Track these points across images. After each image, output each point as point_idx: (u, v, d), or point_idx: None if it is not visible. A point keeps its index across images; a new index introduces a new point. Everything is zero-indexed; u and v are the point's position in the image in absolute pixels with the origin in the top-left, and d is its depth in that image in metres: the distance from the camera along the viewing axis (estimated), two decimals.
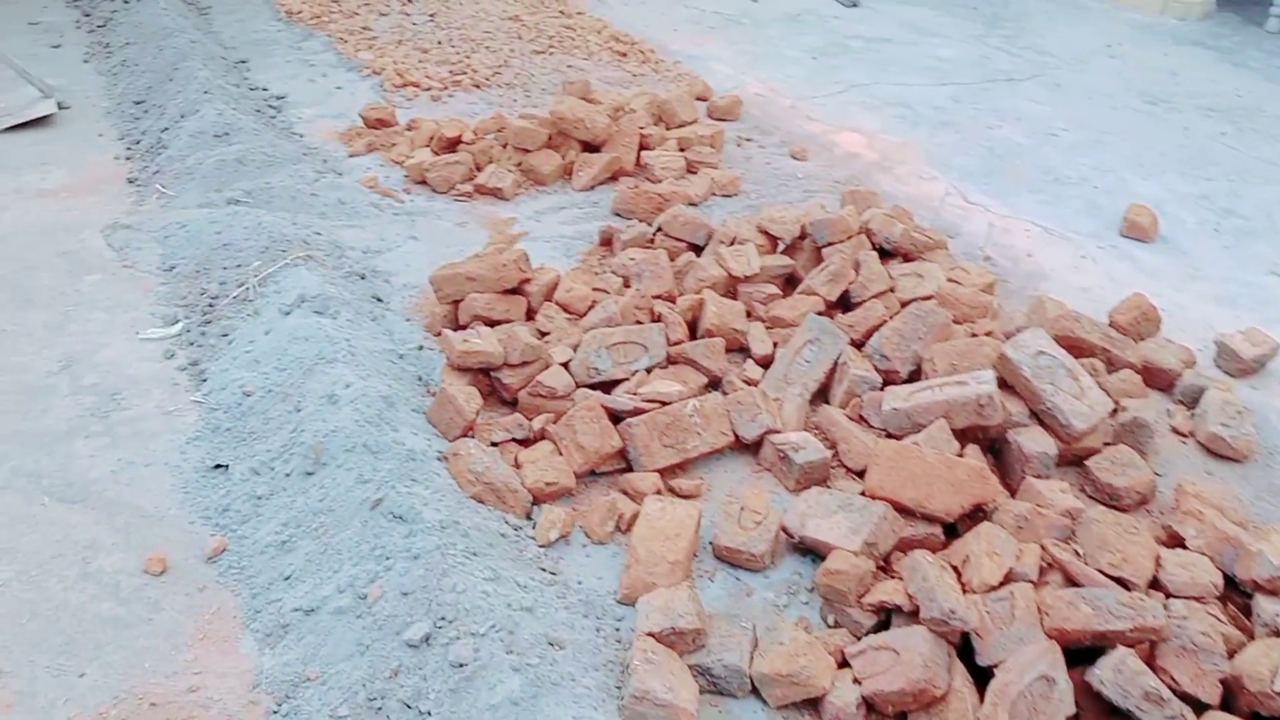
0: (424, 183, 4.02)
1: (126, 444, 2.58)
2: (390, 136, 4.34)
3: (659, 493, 2.51)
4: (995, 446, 2.69)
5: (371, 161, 4.18)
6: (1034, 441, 2.60)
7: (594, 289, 3.17)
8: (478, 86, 4.97)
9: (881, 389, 2.81)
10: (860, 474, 2.59)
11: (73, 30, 5.36)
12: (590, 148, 4.22)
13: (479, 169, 4.09)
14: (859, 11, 6.47)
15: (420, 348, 3.01)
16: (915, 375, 2.88)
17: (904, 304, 3.14)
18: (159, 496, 2.43)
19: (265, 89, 4.81)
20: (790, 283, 3.37)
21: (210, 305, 3.09)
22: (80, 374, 2.81)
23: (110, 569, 2.23)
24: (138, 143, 4.17)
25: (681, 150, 4.31)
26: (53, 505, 2.38)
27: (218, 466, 2.50)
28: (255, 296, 3.05)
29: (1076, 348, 2.93)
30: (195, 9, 5.73)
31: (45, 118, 4.28)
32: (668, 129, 4.49)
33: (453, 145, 4.18)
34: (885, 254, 3.43)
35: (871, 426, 2.75)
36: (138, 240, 3.43)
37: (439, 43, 5.40)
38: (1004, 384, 2.72)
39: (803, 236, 3.45)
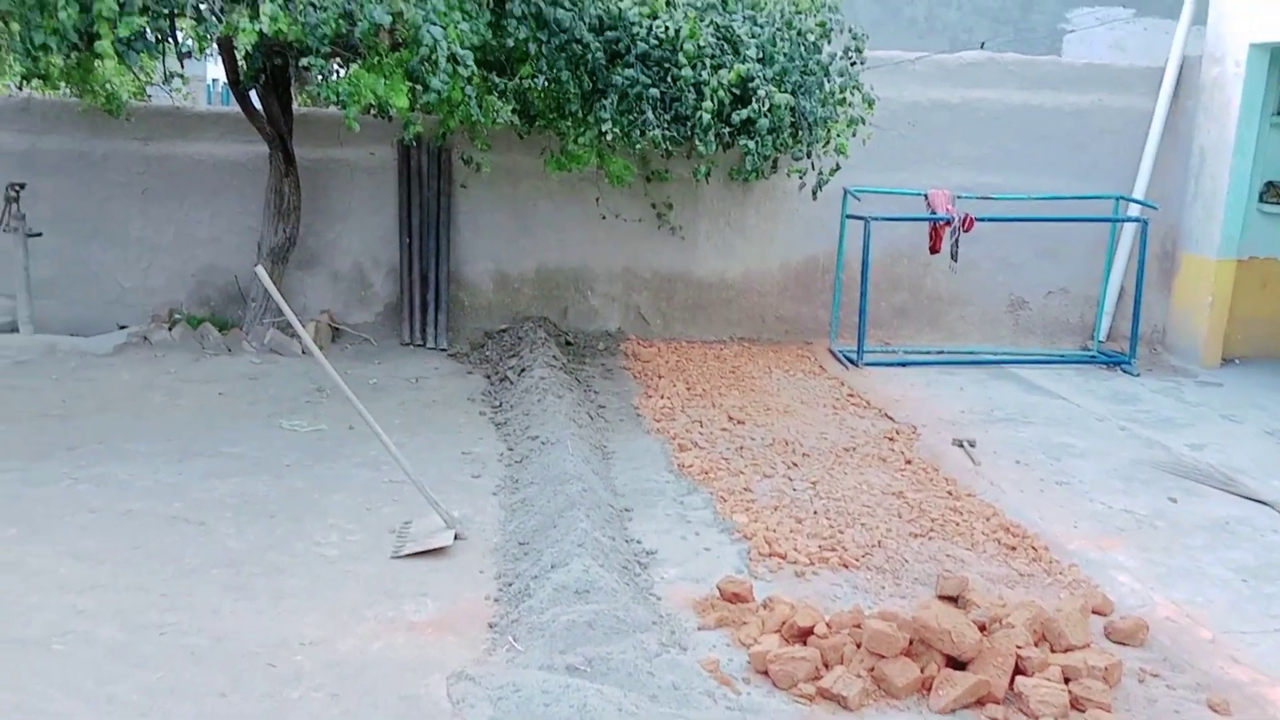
0: (766, 673, 3.77)
1: None
2: (743, 613, 4.20)
3: None
4: None
5: (719, 639, 4.04)
6: None
7: None
8: (845, 566, 4.78)
9: None
10: None
11: (495, 462, 6.02)
12: (955, 662, 3.78)
13: (827, 667, 3.79)
14: None
15: None
16: None
17: None
18: None
19: (639, 541, 4.97)
20: None
21: None
22: None
23: None
24: (510, 585, 4.39)
25: (1066, 681, 3.73)
26: None
27: None
28: None
29: None
30: (601, 453, 6.24)
31: (442, 547, 4.68)
32: (1052, 650, 3.94)
33: (804, 635, 3.94)
34: None
35: None
36: (474, 696, 3.46)
37: (815, 513, 5.35)
38: None
39: None
